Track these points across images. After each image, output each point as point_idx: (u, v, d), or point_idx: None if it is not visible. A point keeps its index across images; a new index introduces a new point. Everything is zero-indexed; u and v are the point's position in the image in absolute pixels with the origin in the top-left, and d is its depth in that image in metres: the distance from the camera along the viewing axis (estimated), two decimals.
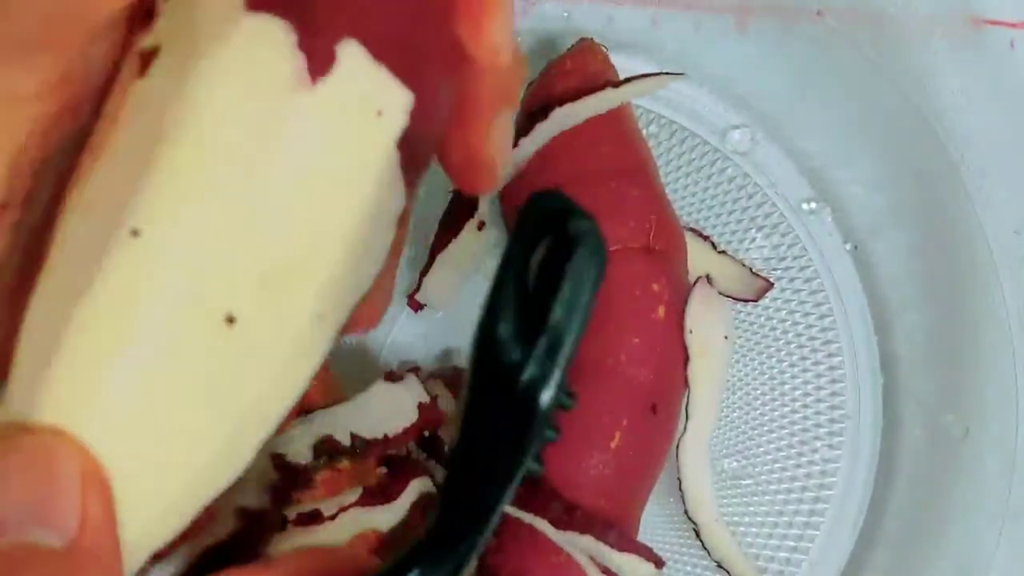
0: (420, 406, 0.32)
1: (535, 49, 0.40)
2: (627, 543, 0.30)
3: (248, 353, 0.17)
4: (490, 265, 0.37)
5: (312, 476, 0.30)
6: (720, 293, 0.37)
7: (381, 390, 0.32)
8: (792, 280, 0.40)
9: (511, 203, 0.35)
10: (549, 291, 0.17)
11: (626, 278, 0.32)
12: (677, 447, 0.35)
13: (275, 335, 0.17)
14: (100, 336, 0.16)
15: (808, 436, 0.38)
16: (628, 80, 0.34)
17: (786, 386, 0.39)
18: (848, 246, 0.40)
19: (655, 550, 0.31)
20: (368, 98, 0.17)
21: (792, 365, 0.39)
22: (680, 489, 0.36)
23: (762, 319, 0.39)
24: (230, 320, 0.16)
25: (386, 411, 0.32)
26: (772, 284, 0.38)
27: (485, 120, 0.20)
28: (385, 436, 0.31)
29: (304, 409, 0.31)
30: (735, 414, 0.39)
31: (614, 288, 0.32)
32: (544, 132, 0.33)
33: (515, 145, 0.33)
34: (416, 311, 0.38)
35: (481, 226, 0.36)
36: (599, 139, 0.34)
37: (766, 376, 0.39)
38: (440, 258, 0.35)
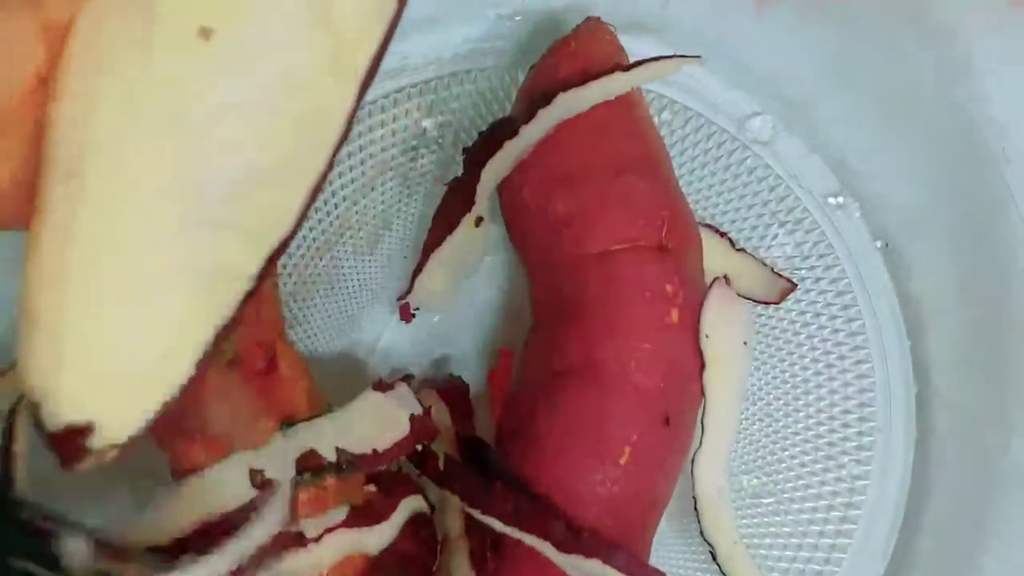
0: (412, 418, 0.32)
1: (538, 29, 0.40)
2: (637, 567, 0.30)
3: None
4: (489, 264, 0.38)
5: (294, 494, 0.29)
6: (739, 295, 0.37)
7: (370, 401, 0.32)
8: (817, 281, 0.40)
9: (511, 197, 0.35)
10: None
11: (636, 279, 0.32)
12: (692, 462, 0.35)
13: None
14: None
15: (835, 451, 0.39)
16: (638, 63, 0.34)
17: (811, 396, 0.39)
18: (878, 244, 0.40)
19: (668, 575, 0.31)
20: None
21: (817, 373, 0.39)
22: (695, 508, 0.35)
23: (784, 323, 0.40)
24: None
25: (375, 424, 0.32)
26: (795, 285, 0.38)
27: None
28: (374, 451, 0.31)
29: (285, 421, 0.31)
30: (755, 426, 0.39)
31: (623, 290, 0.32)
32: (546, 120, 0.33)
33: (515, 133, 0.33)
34: (407, 320, 0.38)
35: (479, 222, 0.36)
36: (607, 128, 0.33)
37: (789, 385, 0.39)
38: (434, 257, 0.35)
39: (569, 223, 0.33)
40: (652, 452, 0.32)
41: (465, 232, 0.35)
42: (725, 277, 0.36)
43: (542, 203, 0.34)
